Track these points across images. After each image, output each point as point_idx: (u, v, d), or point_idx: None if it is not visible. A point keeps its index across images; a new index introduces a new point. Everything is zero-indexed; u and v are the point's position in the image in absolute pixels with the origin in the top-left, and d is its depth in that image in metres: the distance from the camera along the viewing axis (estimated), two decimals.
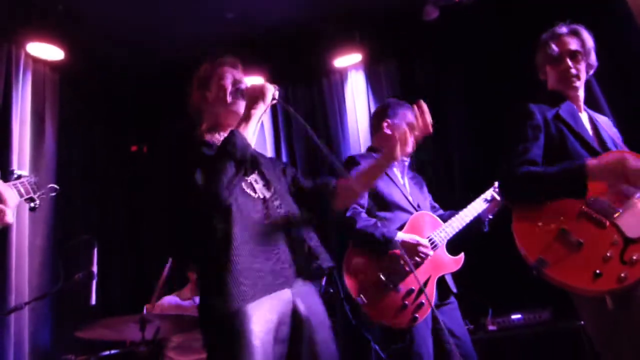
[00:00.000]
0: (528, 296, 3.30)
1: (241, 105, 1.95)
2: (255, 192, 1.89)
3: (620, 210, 1.92)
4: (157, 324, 2.87)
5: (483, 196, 2.92)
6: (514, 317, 3.46)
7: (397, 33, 4.60)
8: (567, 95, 2.23)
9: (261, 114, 1.87)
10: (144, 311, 3.31)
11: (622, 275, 1.80)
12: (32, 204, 1.70)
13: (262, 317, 1.66)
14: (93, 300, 2.59)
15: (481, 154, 4.07)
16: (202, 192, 1.70)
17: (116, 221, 4.75)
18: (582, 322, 3.00)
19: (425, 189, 3.09)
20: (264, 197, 1.90)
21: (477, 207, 2.88)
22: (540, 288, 2.06)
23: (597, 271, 1.82)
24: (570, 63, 2.21)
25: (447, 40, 4.50)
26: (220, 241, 1.72)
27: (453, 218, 2.81)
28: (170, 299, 3.86)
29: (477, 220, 2.88)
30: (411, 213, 2.78)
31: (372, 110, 4.51)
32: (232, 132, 1.79)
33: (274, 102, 1.91)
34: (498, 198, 2.86)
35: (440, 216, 2.90)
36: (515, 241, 1.98)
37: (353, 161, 2.77)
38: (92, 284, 2.57)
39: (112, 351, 3.22)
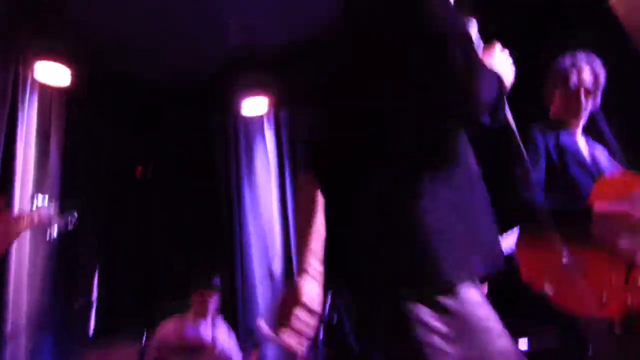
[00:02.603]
0: (534, 320, 3.20)
1: None
2: None
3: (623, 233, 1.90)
4: (156, 354, 2.81)
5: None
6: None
7: None
8: (569, 123, 2.25)
9: None
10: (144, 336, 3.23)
11: (629, 300, 1.80)
12: (50, 230, 1.62)
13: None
14: (91, 331, 2.52)
15: (493, 162, 3.99)
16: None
17: (121, 244, 4.70)
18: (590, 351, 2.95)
19: None
20: None
21: None
22: (546, 310, 2.01)
23: (604, 297, 1.82)
24: (583, 99, 2.22)
25: None
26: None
27: None
28: (172, 327, 3.73)
29: None
30: None
31: None
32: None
33: None
34: None
35: None
36: (520, 269, 1.97)
37: None
38: (90, 314, 2.51)
39: None
